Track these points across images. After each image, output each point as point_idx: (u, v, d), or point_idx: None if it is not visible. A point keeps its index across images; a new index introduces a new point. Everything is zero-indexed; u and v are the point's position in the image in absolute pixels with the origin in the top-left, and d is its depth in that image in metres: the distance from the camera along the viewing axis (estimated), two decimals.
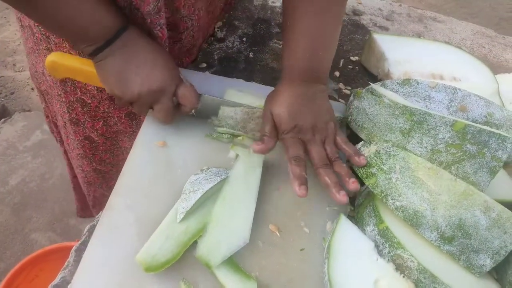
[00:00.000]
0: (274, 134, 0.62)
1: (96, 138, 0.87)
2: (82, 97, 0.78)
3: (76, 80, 0.76)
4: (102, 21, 0.55)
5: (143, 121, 0.85)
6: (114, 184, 1.02)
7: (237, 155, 0.62)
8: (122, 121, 0.85)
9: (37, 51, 0.78)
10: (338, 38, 0.67)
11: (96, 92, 0.77)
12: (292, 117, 0.61)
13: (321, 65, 0.65)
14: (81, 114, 0.82)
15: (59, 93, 0.79)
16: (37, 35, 0.73)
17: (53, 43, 0.71)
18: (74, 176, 1.14)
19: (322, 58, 0.65)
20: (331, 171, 0.58)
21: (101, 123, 0.84)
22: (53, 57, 0.61)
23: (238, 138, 0.66)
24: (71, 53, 0.69)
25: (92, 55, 0.57)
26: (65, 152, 1.05)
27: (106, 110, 0.82)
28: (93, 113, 0.82)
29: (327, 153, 0.61)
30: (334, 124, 0.63)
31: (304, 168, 0.58)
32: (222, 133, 0.66)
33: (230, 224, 0.54)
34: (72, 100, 0.80)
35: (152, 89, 0.57)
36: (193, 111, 0.63)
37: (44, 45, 0.73)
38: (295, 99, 0.62)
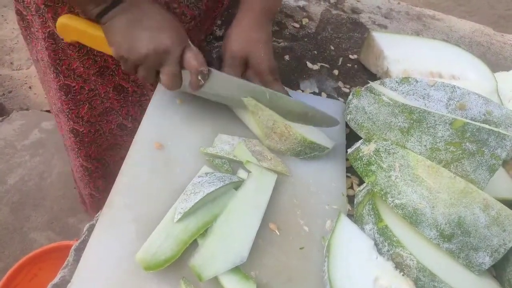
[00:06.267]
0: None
1: (80, 129, 0.87)
2: (66, 82, 0.78)
3: (59, 65, 0.76)
4: None
5: (131, 94, 0.84)
6: (101, 185, 1.02)
7: (249, 172, 0.60)
8: (110, 95, 0.83)
9: (29, 37, 0.78)
10: None
11: (82, 69, 0.76)
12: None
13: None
14: (64, 103, 0.81)
15: (51, 78, 0.79)
16: (28, 17, 0.72)
17: (42, 19, 0.70)
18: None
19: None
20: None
21: (86, 107, 0.83)
22: (64, 19, 0.61)
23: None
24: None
25: (100, 16, 0.57)
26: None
27: (92, 87, 0.80)
28: (78, 97, 0.81)
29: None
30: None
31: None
32: (220, 158, 0.63)
33: (230, 240, 0.53)
34: (55, 87, 0.79)
35: (159, 49, 0.56)
36: (200, 77, 0.60)
37: (36, 27, 0.72)
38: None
